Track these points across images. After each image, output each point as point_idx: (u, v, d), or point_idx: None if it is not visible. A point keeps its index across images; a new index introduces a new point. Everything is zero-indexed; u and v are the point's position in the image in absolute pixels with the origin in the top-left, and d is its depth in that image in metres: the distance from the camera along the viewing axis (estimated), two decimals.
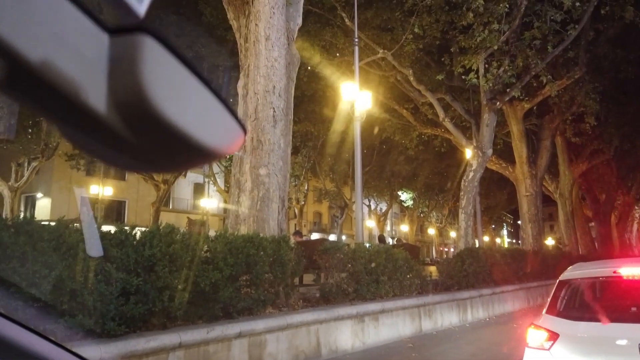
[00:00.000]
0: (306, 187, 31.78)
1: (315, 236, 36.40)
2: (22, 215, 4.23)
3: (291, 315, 6.12)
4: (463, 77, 14.26)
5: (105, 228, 4.58)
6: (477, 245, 15.44)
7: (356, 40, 12.89)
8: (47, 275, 3.73)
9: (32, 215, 4.48)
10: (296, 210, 31.92)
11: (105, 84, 0.31)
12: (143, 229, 5.09)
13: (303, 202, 32.30)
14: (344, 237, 34.19)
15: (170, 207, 30.08)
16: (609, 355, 3.32)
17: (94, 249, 2.19)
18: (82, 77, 0.31)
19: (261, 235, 6.20)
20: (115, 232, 4.49)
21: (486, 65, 13.91)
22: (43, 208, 25.49)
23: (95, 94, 0.31)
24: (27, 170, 21.43)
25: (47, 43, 0.29)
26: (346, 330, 6.91)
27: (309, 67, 18.27)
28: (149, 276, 4.52)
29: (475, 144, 14.94)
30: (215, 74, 20.33)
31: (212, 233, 5.93)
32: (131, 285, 4.31)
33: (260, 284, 5.88)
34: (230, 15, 8.52)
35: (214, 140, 0.35)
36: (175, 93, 0.32)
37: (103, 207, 26.42)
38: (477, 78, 13.91)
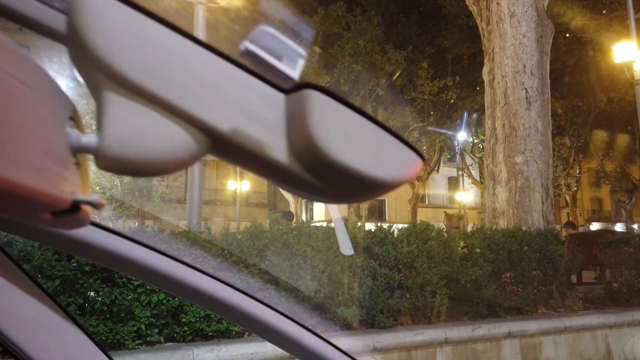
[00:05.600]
0: (578, 171, 27.76)
1: (594, 227, 31.44)
2: (303, 218, 5.00)
3: (569, 317, 5.43)
4: None
5: (368, 227, 5.01)
6: None
7: None
8: (324, 270, 4.29)
9: (312, 218, 5.24)
10: (567, 198, 28.19)
11: (285, 138, 0.36)
12: (400, 226, 5.34)
13: (575, 188, 28.28)
14: (635, 226, 28.46)
15: (427, 202, 30.73)
16: None
17: (346, 248, 2.47)
18: (265, 136, 0.36)
19: (523, 228, 5.71)
20: (376, 230, 4.84)
21: None
22: (319, 210, 29.56)
23: (278, 148, 0.36)
24: None
25: (235, 115, 0.35)
26: None
27: (568, 34, 15.99)
28: (409, 272, 4.70)
29: None
30: (460, 64, 19.85)
31: (469, 228, 5.78)
32: (394, 281, 4.56)
33: (527, 282, 5.42)
34: (469, 1, 8.20)
35: (388, 172, 0.36)
36: (345, 136, 0.35)
37: (366, 206, 28.93)
38: None
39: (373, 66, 19.76)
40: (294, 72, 0.36)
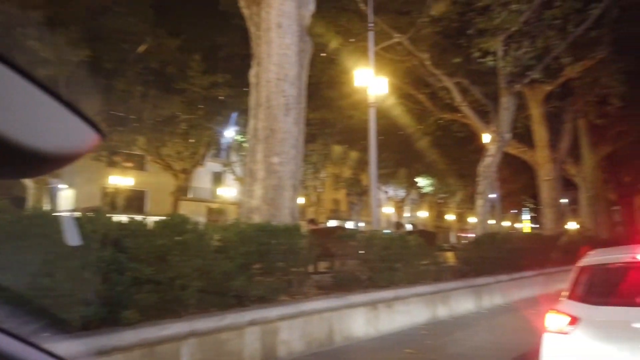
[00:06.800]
0: (324, 175, 31.78)
1: (332, 223, 36.47)
2: (43, 206, 4.33)
3: (304, 303, 6.16)
4: (480, 60, 13.94)
5: (123, 219, 4.69)
6: (496, 231, 15.27)
7: (371, 24, 12.70)
8: (61, 265, 3.82)
9: (55, 207, 4.59)
10: (314, 198, 31.97)
11: None
12: (158, 218, 5.17)
13: (321, 190, 32.34)
14: (361, 224, 34.17)
15: (190, 196, 30.46)
16: (630, 339, 3.32)
17: (72, 238, 2.22)
18: None
19: (274, 223, 6.23)
20: (128, 222, 4.57)
21: (505, 47, 13.57)
22: (67, 199, 26.07)
23: None
24: None
25: None
26: (359, 317, 6.93)
27: (325, 54, 18.11)
28: (161, 265, 4.59)
29: (493, 128, 14.68)
30: (233, 63, 20.33)
31: (229, 221, 5.99)
32: (143, 275, 4.39)
33: (273, 272, 5.93)
34: (241, 3, 8.47)
35: (54, 144, 0.31)
36: None
37: (124, 197, 26.93)
38: (495, 61, 13.59)
39: (143, 48, 18.55)
40: None
